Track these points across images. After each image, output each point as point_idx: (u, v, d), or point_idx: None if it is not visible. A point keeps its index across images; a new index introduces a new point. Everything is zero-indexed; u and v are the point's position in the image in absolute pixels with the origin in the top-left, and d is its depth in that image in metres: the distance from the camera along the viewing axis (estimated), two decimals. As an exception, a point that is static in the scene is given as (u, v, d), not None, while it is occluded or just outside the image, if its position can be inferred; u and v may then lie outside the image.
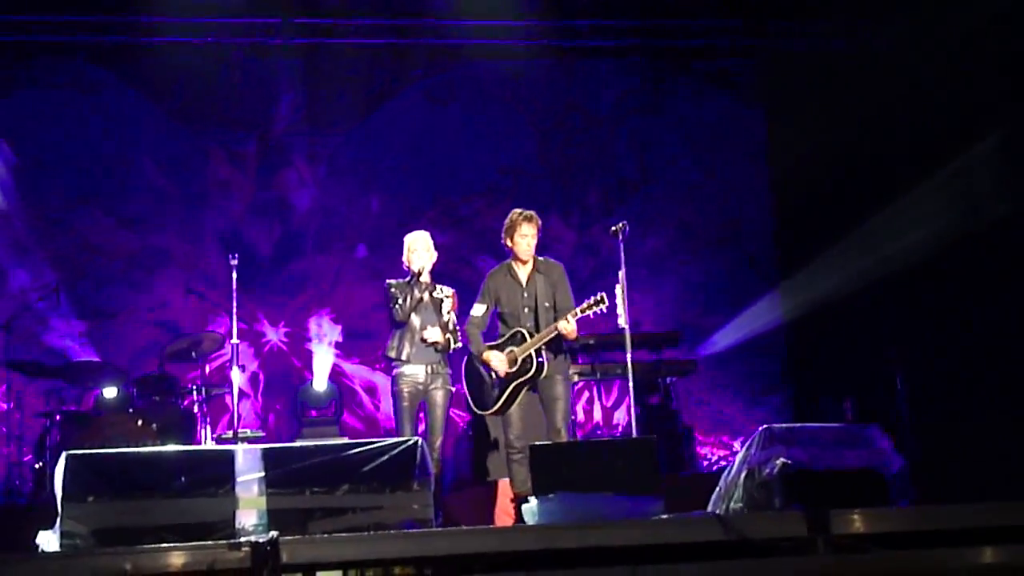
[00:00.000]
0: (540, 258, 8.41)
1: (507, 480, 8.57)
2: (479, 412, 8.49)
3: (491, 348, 8.28)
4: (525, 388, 8.18)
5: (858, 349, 11.80)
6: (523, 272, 8.36)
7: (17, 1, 11.60)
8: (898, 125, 11.55)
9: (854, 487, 7.08)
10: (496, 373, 8.19)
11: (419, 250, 8.46)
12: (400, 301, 8.34)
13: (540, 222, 8.35)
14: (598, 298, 7.97)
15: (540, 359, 8.08)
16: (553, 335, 8.04)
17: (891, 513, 6.47)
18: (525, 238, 8.28)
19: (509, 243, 8.35)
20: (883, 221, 11.72)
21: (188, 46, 12.18)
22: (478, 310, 8.38)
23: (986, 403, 10.40)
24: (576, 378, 10.72)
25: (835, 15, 12.26)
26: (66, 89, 12.28)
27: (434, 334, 8.30)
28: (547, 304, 8.20)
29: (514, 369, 8.13)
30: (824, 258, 12.07)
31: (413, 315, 8.36)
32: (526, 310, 8.26)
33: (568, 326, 7.97)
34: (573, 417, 10.76)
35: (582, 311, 7.98)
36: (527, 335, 8.16)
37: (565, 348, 8.28)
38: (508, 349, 8.20)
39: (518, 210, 8.37)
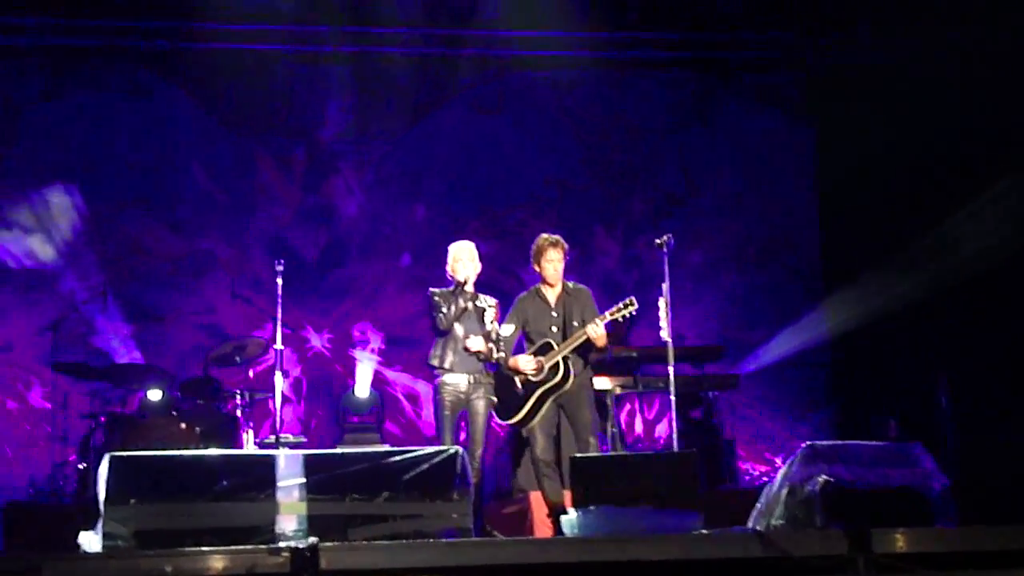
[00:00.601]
0: (568, 283, 8.50)
1: (538, 493, 8.58)
2: (504, 421, 8.50)
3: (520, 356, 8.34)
4: (551, 397, 8.20)
5: (903, 367, 11.72)
6: (552, 295, 8.47)
7: (71, 5, 11.73)
8: (947, 140, 11.47)
9: (896, 506, 7.01)
10: (521, 381, 8.21)
11: (464, 260, 8.49)
12: (444, 310, 8.36)
13: (567, 246, 8.45)
14: (627, 302, 8.02)
15: (568, 367, 8.12)
16: (582, 340, 8.07)
17: (933, 533, 6.42)
18: (552, 263, 8.36)
19: (537, 268, 8.45)
20: (931, 238, 11.65)
21: (238, 52, 12.27)
22: (506, 330, 8.43)
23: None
24: (619, 391, 10.70)
25: (885, 30, 12.19)
26: (117, 92, 12.39)
27: (477, 343, 8.32)
28: (575, 324, 8.26)
29: (540, 377, 8.16)
30: (871, 274, 12.01)
31: (456, 324, 8.38)
32: (554, 329, 8.34)
33: (597, 330, 8.02)
34: (614, 429, 10.74)
35: (611, 315, 8.04)
36: (555, 344, 8.19)
37: (588, 361, 8.33)
38: (536, 358, 8.24)
39: (544, 235, 8.44)
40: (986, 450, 10.11)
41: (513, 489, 9.98)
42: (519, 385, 8.26)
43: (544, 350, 8.25)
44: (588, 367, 8.43)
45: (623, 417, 12.16)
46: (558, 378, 8.14)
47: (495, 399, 8.40)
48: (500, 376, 8.41)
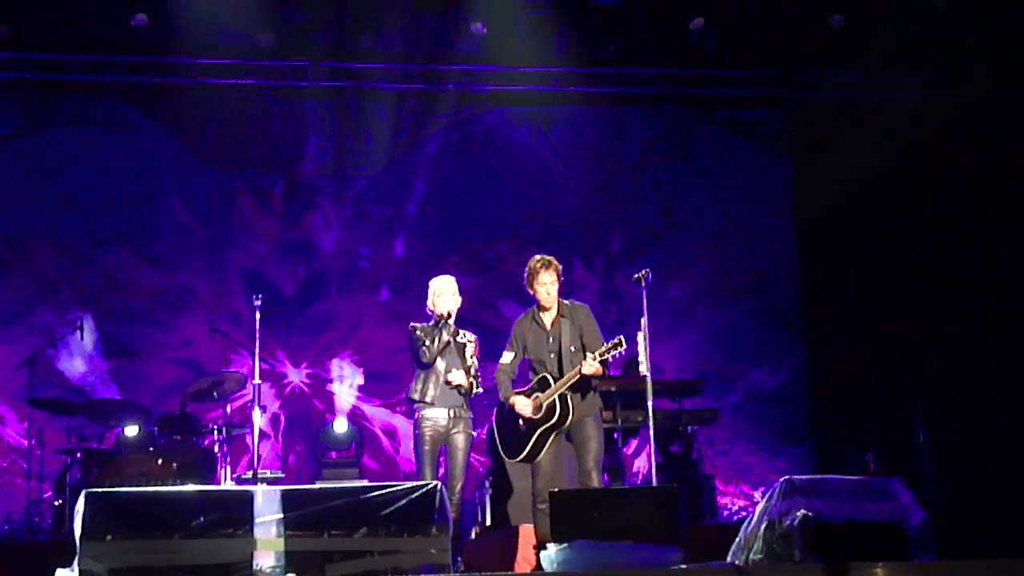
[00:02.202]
0: (565, 302, 8.38)
1: (529, 527, 8.53)
2: (509, 460, 8.45)
3: (518, 394, 8.27)
4: (553, 434, 8.13)
5: (881, 401, 11.76)
6: (548, 317, 8.34)
7: (49, 40, 11.72)
8: (922, 176, 11.57)
9: (875, 541, 7.02)
10: (523, 420, 8.17)
11: (445, 294, 8.48)
12: (427, 343, 8.34)
13: (560, 267, 8.33)
14: (616, 341, 7.94)
15: (565, 404, 8.05)
16: (576, 379, 8.02)
17: (912, 568, 6.42)
18: (544, 285, 8.27)
19: (531, 291, 8.35)
20: (907, 273, 11.71)
21: (217, 87, 12.29)
22: (506, 357, 8.37)
23: (1009, 457, 10.34)
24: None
25: (861, 66, 12.29)
26: (95, 127, 12.38)
27: (459, 377, 8.31)
28: (572, 348, 8.16)
29: (539, 415, 8.10)
30: (848, 308, 12.06)
31: (438, 358, 8.37)
32: (551, 355, 8.24)
33: (590, 367, 7.93)
34: (615, 462, 10.71)
35: (601, 355, 7.95)
36: (552, 380, 8.14)
37: (594, 388, 8.24)
38: (534, 395, 8.18)
39: (537, 257, 8.36)
40: (964, 484, 10.14)
41: (496, 523, 9.93)
42: (521, 423, 8.20)
43: (543, 386, 8.18)
44: (595, 395, 8.28)
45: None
46: (556, 417, 8.05)
47: (474, 434, 8.39)
48: (502, 413, 8.36)
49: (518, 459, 8.25)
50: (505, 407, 8.30)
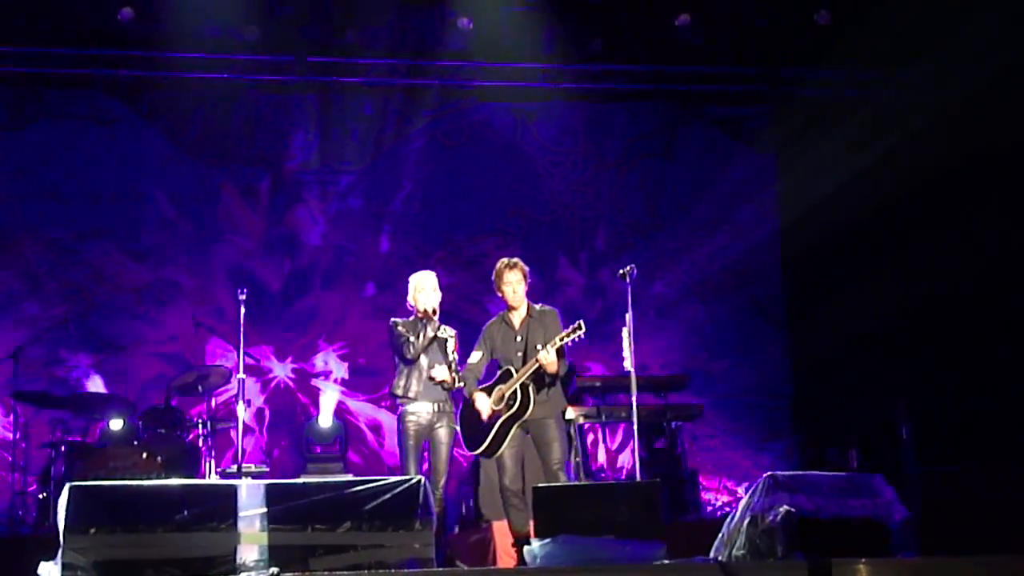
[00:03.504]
0: (535, 305, 8.47)
1: (503, 522, 8.57)
2: (470, 452, 8.50)
3: (482, 389, 8.31)
4: (514, 425, 8.16)
5: (864, 398, 11.78)
6: (516, 318, 8.43)
7: (34, 34, 11.68)
8: (907, 173, 11.61)
9: (857, 537, 7.05)
10: (480, 414, 8.22)
11: (426, 289, 8.49)
12: (412, 339, 8.35)
13: (527, 269, 8.40)
14: (575, 326, 7.98)
15: (526, 394, 8.10)
16: (535, 367, 8.05)
17: (894, 564, 6.46)
18: (510, 284, 8.34)
19: (499, 292, 8.43)
20: (891, 269, 11.75)
21: (203, 82, 12.27)
22: (474, 357, 8.44)
23: (991, 455, 10.37)
24: (582, 420, 10.72)
25: (847, 64, 12.32)
26: (81, 121, 12.36)
27: (442, 372, 8.32)
28: (539, 348, 8.20)
29: (500, 406, 8.16)
30: (832, 305, 12.09)
31: (421, 354, 8.38)
32: (519, 354, 8.30)
33: (547, 356, 7.96)
34: (578, 459, 10.74)
35: (560, 339, 7.98)
36: (514, 372, 8.20)
37: (559, 387, 8.30)
38: (497, 388, 8.24)
39: (503, 259, 8.45)
40: (946, 481, 10.16)
41: (476, 518, 9.97)
42: (483, 415, 8.25)
43: (505, 378, 8.26)
44: (559, 395, 8.35)
45: (587, 447, 12.17)
46: (517, 406, 8.11)
47: (458, 428, 8.39)
48: (466, 407, 8.40)
49: (478, 451, 8.31)
50: (467, 402, 8.34)
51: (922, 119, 11.50)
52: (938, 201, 11.65)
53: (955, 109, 11.28)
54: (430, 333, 8.36)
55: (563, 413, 8.46)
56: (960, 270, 11.22)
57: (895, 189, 11.77)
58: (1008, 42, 10.93)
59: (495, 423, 8.17)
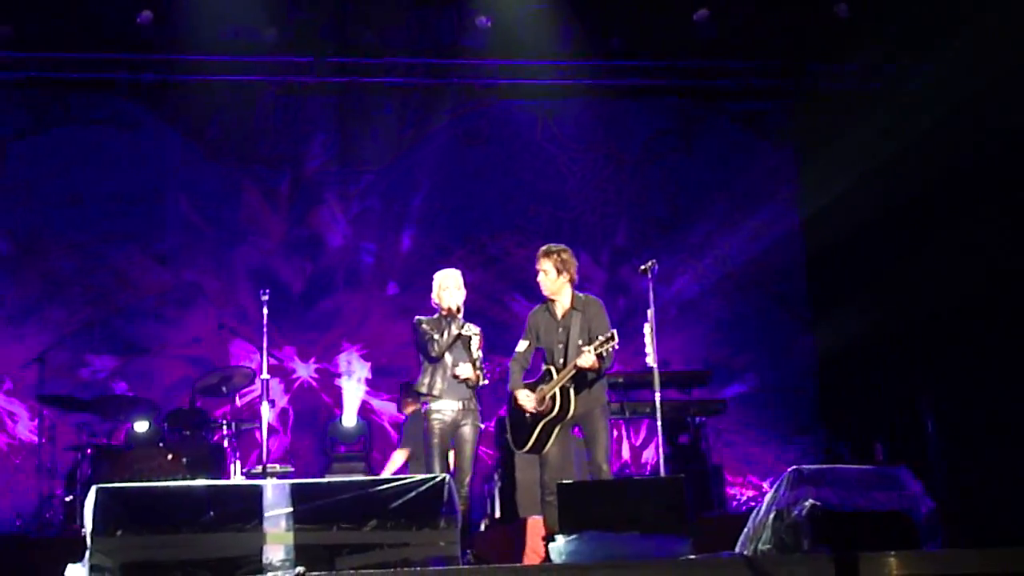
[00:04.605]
0: (579, 295, 8.38)
1: (537, 518, 8.54)
2: (517, 450, 8.47)
3: (526, 386, 8.28)
4: (557, 427, 8.14)
5: (889, 391, 11.75)
6: (559, 309, 8.33)
7: (55, 39, 11.74)
8: (930, 166, 11.55)
9: (883, 530, 7.02)
10: (525, 411, 8.19)
11: (450, 288, 8.47)
12: (436, 337, 8.34)
13: (561, 257, 8.26)
14: (607, 336, 7.92)
15: (566, 398, 8.06)
16: (573, 372, 8.02)
17: (920, 556, 6.42)
18: (540, 272, 8.29)
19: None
20: (914, 263, 11.70)
21: (223, 84, 12.32)
22: (521, 346, 8.37)
23: (1017, 447, 10.33)
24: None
25: (868, 56, 12.28)
26: (102, 125, 12.41)
27: (466, 370, 8.31)
28: (580, 341, 8.12)
29: (542, 408, 8.12)
30: (855, 299, 12.05)
31: (446, 352, 8.36)
32: (560, 346, 8.24)
33: (587, 360, 7.94)
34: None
35: (595, 348, 7.94)
36: (554, 373, 8.16)
37: (600, 380, 8.20)
38: (539, 388, 8.20)
39: (545, 246, 8.39)
40: (972, 473, 10.15)
41: (504, 515, 9.95)
42: (526, 415, 8.22)
43: (546, 379, 8.20)
44: (600, 389, 8.22)
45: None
46: (557, 410, 8.07)
47: (482, 426, 8.39)
48: (512, 403, 8.36)
49: (524, 450, 8.28)
50: (513, 399, 8.33)
51: (945, 111, 11.43)
52: (963, 194, 11.59)
53: (978, 101, 11.21)
54: (454, 331, 8.35)
55: (607, 404, 8.37)
56: (985, 263, 11.16)
57: (918, 183, 11.71)
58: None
59: (537, 425, 8.14)
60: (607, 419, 8.24)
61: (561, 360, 8.18)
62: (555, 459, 8.16)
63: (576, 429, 8.25)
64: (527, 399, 8.15)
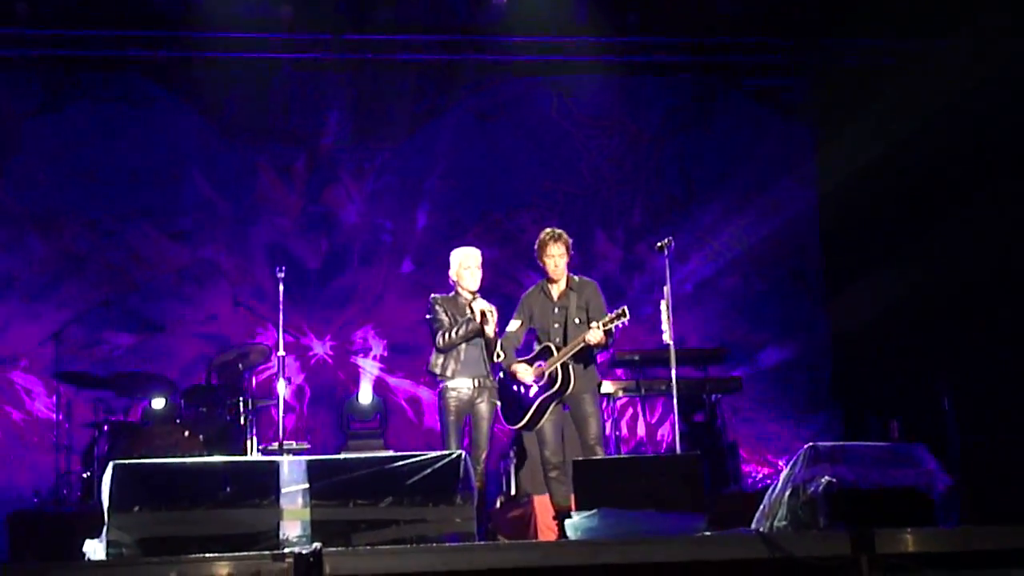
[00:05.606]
0: (575, 276, 8.47)
1: (544, 497, 8.59)
2: (510, 426, 8.51)
3: (520, 362, 8.32)
4: (553, 403, 8.20)
5: (905, 368, 11.72)
6: (556, 290, 8.44)
7: (70, 16, 11.75)
8: (947, 143, 11.50)
9: (900, 507, 7.01)
10: (524, 387, 8.22)
11: (472, 268, 8.44)
12: (443, 317, 8.30)
13: (570, 240, 8.42)
14: (619, 312, 8.01)
15: (567, 373, 8.11)
16: (580, 347, 8.05)
17: (937, 533, 6.41)
18: (553, 258, 8.34)
19: (540, 263, 8.45)
20: (931, 240, 11.66)
21: (238, 61, 12.30)
22: (513, 326, 8.46)
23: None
24: (621, 394, 10.76)
25: (885, 33, 12.21)
26: (118, 103, 12.41)
27: (481, 304, 8.27)
28: (577, 321, 8.24)
29: (541, 383, 8.16)
30: (871, 276, 12.02)
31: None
32: (556, 326, 8.32)
33: (596, 335, 7.98)
34: (618, 432, 10.77)
35: (605, 324, 7.99)
36: (555, 350, 8.19)
37: (594, 363, 8.32)
38: (537, 364, 8.24)
39: (548, 230, 8.45)
40: (988, 450, 10.11)
41: (518, 493, 9.99)
42: (522, 391, 8.27)
43: (545, 355, 8.26)
44: (594, 369, 8.39)
45: (625, 420, 12.18)
46: (558, 385, 8.14)
47: (499, 403, 8.38)
48: (505, 381, 8.40)
49: (519, 426, 8.34)
50: (507, 374, 8.34)
51: (960, 87, 11.38)
52: (979, 171, 11.54)
53: (992, 76, 11.15)
54: (472, 327, 8.25)
55: (599, 387, 8.47)
56: (1002, 240, 11.11)
57: (935, 159, 11.66)
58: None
59: (535, 400, 8.18)
60: (599, 403, 8.40)
61: (559, 339, 8.24)
62: (551, 435, 8.27)
63: (565, 407, 8.32)
64: (527, 373, 8.19)
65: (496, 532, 8.81)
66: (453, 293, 8.47)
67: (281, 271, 9.37)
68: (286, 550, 5.80)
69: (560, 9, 12.02)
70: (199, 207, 12.42)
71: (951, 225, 11.55)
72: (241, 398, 10.39)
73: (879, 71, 12.48)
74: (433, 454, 6.90)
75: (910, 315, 11.72)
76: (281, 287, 9.35)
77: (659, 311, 8.33)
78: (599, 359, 8.68)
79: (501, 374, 8.42)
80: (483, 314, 8.24)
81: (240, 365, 10.56)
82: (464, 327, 8.26)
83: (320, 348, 12.37)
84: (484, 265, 8.58)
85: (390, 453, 8.52)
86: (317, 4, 11.92)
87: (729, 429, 11.14)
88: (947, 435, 10.46)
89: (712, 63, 13.08)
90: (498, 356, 8.29)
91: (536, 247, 8.45)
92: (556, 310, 8.36)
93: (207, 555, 5.74)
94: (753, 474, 12.01)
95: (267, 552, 5.79)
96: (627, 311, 7.98)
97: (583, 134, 13.08)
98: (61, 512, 9.89)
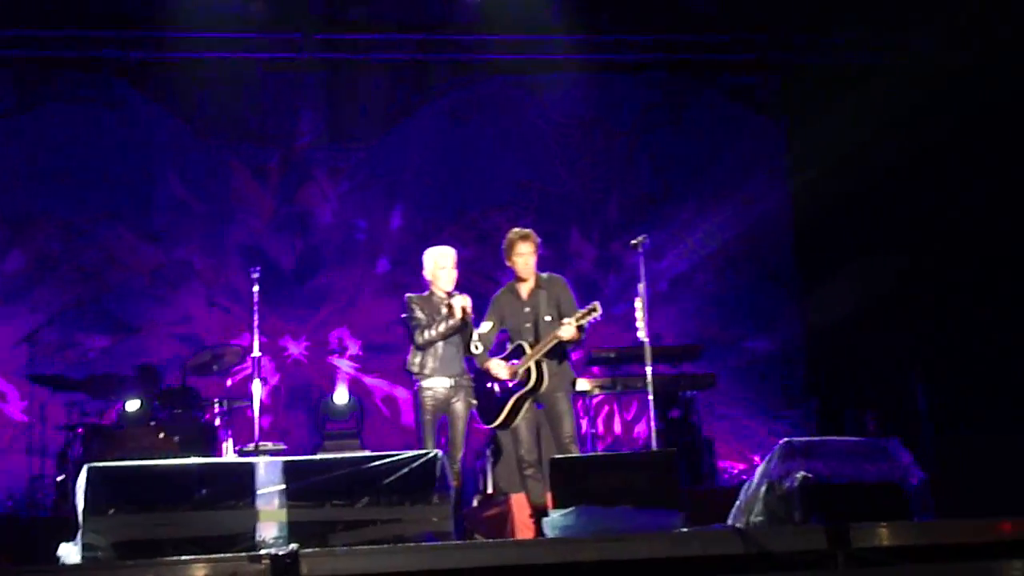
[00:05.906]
0: (543, 274, 8.44)
1: (521, 495, 8.58)
2: (486, 425, 8.51)
3: (494, 359, 8.32)
4: (527, 401, 8.20)
5: (879, 363, 11.78)
6: (525, 289, 8.40)
7: (42, 16, 11.69)
8: (919, 139, 11.56)
9: (874, 501, 7.04)
10: (498, 386, 8.22)
11: (448, 268, 8.43)
12: (420, 315, 8.31)
13: (538, 239, 8.37)
14: (591, 307, 7.99)
15: (540, 370, 8.11)
16: (553, 344, 8.06)
17: (912, 527, 6.45)
18: (522, 256, 8.31)
19: (509, 263, 8.40)
20: (904, 235, 11.72)
21: (212, 61, 12.25)
22: (484, 327, 8.41)
23: (1007, 417, 10.36)
24: (597, 391, 10.77)
25: (858, 29, 12.27)
26: (91, 104, 12.36)
27: (462, 299, 8.28)
28: (548, 318, 8.21)
29: (515, 382, 8.16)
30: (845, 271, 12.07)
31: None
32: (527, 325, 8.30)
33: (568, 331, 7.98)
34: (594, 430, 10.78)
35: (577, 320, 7.98)
36: (527, 348, 8.19)
37: (568, 361, 8.31)
38: (510, 362, 8.24)
39: (515, 229, 8.42)
40: (962, 444, 10.15)
41: (495, 492, 9.99)
42: (497, 389, 8.27)
43: (518, 353, 8.24)
44: (568, 367, 8.38)
45: (601, 417, 12.20)
46: (532, 383, 8.12)
47: (475, 402, 8.37)
48: (479, 380, 8.40)
49: (494, 425, 8.32)
50: (481, 372, 8.34)
51: (933, 84, 11.44)
52: (951, 166, 11.61)
53: (966, 74, 11.22)
54: (451, 323, 8.26)
55: (572, 384, 8.46)
56: (974, 235, 11.18)
57: (907, 155, 11.72)
58: (1020, 5, 10.87)
59: (509, 398, 8.18)
60: (572, 402, 8.35)
61: (531, 338, 8.23)
62: (525, 433, 8.26)
63: (539, 405, 8.31)
64: (500, 368, 8.18)
65: (473, 531, 8.80)
66: (428, 292, 8.46)
67: (256, 272, 9.34)
68: (263, 551, 5.78)
69: (534, 8, 12.00)
70: (173, 208, 12.38)
71: (924, 220, 11.61)
72: (216, 399, 10.36)
73: (851, 68, 12.52)
74: (409, 454, 6.89)
75: (884, 309, 11.78)
76: (256, 288, 9.33)
77: (634, 308, 8.34)
78: (573, 356, 8.67)
79: (475, 374, 8.42)
80: (464, 310, 8.24)
81: (215, 366, 10.53)
82: (444, 323, 8.26)
83: (295, 348, 12.34)
84: (459, 264, 8.57)
85: (366, 453, 8.49)
86: (290, 3, 11.89)
87: (704, 425, 11.16)
88: (921, 429, 10.51)
89: (685, 61, 13.09)
90: (475, 347, 8.28)
91: (504, 247, 8.41)
92: (527, 309, 8.33)
93: (183, 557, 5.72)
94: (729, 470, 12.03)
95: (244, 554, 5.77)
96: (599, 306, 7.98)
97: (557, 132, 13.09)
98: (35, 516, 9.85)
